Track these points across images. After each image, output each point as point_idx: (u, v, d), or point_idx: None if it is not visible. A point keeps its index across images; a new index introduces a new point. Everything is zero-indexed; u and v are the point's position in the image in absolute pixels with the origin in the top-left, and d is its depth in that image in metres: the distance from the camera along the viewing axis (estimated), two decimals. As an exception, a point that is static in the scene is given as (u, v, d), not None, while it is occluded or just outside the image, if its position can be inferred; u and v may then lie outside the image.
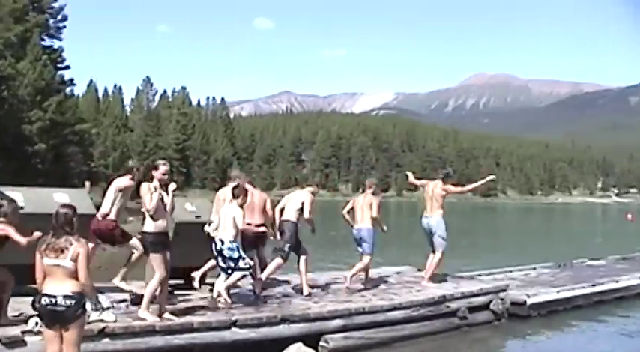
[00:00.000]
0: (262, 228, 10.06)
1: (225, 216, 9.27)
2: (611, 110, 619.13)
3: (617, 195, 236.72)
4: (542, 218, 67.69)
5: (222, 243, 9.16)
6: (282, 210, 10.85)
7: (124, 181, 8.55)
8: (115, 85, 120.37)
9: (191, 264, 9.99)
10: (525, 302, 12.02)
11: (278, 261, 10.53)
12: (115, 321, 7.68)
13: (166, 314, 8.13)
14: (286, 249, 10.54)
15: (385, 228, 11.89)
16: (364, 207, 11.55)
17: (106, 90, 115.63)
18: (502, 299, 11.79)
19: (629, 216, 72.59)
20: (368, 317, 9.74)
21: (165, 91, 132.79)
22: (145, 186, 8.06)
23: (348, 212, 11.85)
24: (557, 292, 12.97)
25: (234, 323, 8.42)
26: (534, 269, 16.29)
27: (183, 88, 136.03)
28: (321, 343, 9.04)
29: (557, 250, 27.32)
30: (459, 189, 12.65)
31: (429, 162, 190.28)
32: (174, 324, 7.99)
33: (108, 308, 7.90)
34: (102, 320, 7.58)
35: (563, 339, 11.27)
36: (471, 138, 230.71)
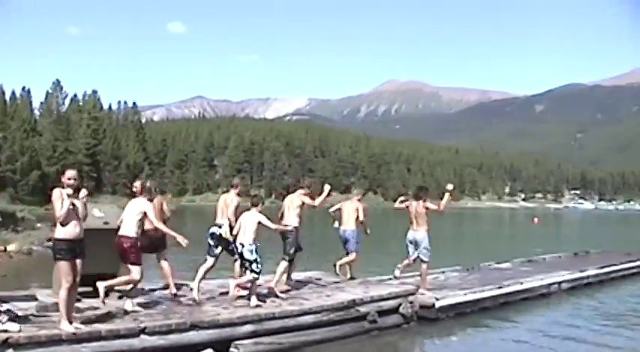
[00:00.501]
0: (160, 233, 10.13)
1: (246, 222, 10.26)
2: (518, 117, 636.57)
3: (523, 199, 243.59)
4: (452, 222, 68.78)
5: (243, 246, 10.12)
6: (281, 216, 12.03)
7: None
8: (24, 88, 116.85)
9: (99, 271, 9.77)
10: (434, 305, 12.26)
11: (284, 263, 11.73)
12: (19, 331, 7.51)
13: (74, 323, 7.97)
14: (291, 251, 11.78)
15: (369, 231, 13.80)
16: (350, 212, 13.43)
17: (13, 93, 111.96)
18: (411, 303, 11.99)
19: (535, 220, 75.00)
20: (278, 322, 9.77)
21: (75, 95, 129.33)
22: (56, 191, 7.88)
23: (334, 212, 13.72)
24: (465, 294, 13.27)
25: (142, 331, 8.33)
26: (443, 273, 16.62)
27: (94, 92, 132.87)
28: (232, 349, 9.05)
29: (466, 254, 27.94)
30: (435, 207, 13.32)
31: (341, 167, 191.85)
32: (81, 333, 7.85)
33: (12, 317, 7.73)
34: (5, 331, 7.41)
35: (471, 340, 11.50)
36: (383, 143, 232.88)
